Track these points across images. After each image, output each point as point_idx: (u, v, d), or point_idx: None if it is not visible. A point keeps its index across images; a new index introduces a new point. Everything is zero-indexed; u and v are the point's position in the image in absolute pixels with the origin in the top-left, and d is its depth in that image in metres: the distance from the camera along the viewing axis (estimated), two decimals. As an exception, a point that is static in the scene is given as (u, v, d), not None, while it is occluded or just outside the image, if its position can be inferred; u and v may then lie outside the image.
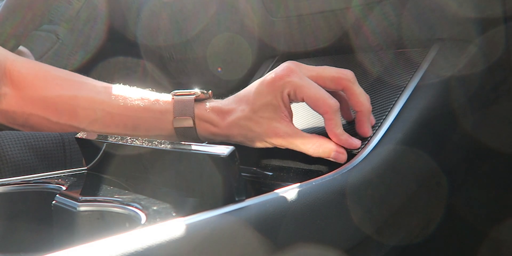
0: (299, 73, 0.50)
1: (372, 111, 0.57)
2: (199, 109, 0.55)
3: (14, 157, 0.59)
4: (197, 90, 0.56)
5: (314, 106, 0.49)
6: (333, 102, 0.48)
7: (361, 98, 0.50)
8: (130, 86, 0.60)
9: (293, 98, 0.50)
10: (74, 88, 0.58)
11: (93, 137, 0.51)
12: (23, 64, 0.59)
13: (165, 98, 0.57)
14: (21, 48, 0.81)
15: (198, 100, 0.56)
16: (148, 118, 0.56)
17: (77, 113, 0.57)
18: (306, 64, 0.51)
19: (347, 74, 0.50)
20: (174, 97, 0.56)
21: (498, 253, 0.60)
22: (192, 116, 0.55)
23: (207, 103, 0.55)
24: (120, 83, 0.61)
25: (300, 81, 0.49)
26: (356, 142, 0.49)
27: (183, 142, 0.42)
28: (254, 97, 0.52)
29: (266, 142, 0.53)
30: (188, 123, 0.55)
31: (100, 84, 0.59)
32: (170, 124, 0.56)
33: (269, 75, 0.51)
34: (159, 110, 0.56)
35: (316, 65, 0.51)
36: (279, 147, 0.52)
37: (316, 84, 0.50)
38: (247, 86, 0.72)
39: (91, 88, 0.58)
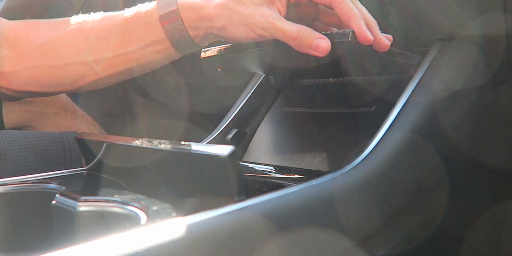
0: None
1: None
2: (182, 2, 0.55)
3: (14, 156, 0.59)
4: None
5: None
6: None
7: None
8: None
9: None
10: (63, 27, 0.59)
11: (93, 137, 0.51)
12: (17, 24, 0.61)
13: (149, 3, 0.58)
14: None
15: None
16: (137, 27, 0.57)
17: (73, 47, 0.58)
18: None
19: None
20: None
21: (498, 253, 0.60)
22: (176, 7, 0.55)
23: None
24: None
25: None
26: (384, 40, 0.50)
27: (183, 142, 0.42)
28: None
29: (248, 26, 0.52)
30: (173, 15, 0.55)
31: (86, 17, 0.60)
32: (158, 23, 0.56)
33: None
34: (144, 15, 0.57)
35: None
36: (261, 33, 0.52)
37: None
38: (247, 86, 0.72)
39: (78, 21, 0.59)
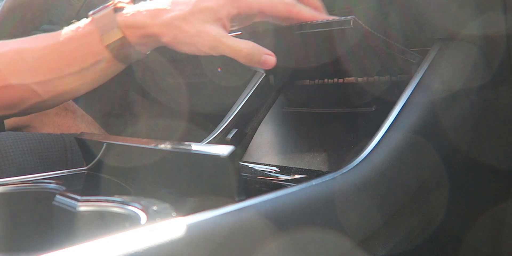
0: None
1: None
2: (122, 17, 0.53)
3: (16, 158, 0.59)
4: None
5: (273, 11, 0.52)
6: None
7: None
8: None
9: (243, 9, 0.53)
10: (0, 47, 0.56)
11: (93, 137, 0.51)
12: None
13: (84, 21, 0.55)
14: None
15: (118, 10, 0.54)
16: (77, 47, 0.54)
17: (10, 69, 0.55)
18: None
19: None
20: (92, 16, 0.54)
21: (498, 253, 0.60)
22: (117, 25, 0.53)
23: (131, 8, 0.54)
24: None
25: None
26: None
27: (183, 142, 0.42)
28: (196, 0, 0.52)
29: (195, 44, 0.52)
30: (116, 34, 0.53)
31: (23, 38, 0.57)
32: (100, 43, 0.53)
33: None
34: (83, 35, 0.54)
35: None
36: (208, 50, 0.52)
37: None
38: (247, 86, 0.72)
39: (14, 42, 0.56)
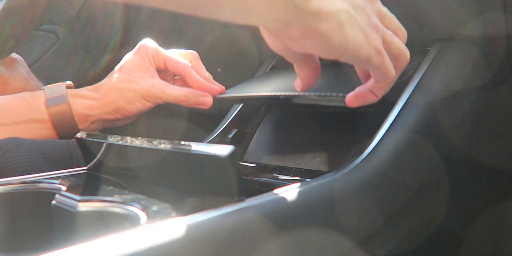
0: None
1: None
2: (71, 90, 0.62)
3: (24, 164, 0.58)
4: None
5: (172, 65, 0.62)
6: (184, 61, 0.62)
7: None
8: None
9: (156, 59, 0.62)
10: None
11: (93, 137, 0.51)
12: None
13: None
14: (13, 55, 0.81)
15: (69, 87, 0.63)
16: (18, 104, 0.61)
17: None
18: None
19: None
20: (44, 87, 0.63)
21: (498, 253, 0.60)
22: (65, 93, 0.61)
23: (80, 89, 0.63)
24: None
25: (159, 47, 0.63)
26: (215, 88, 0.61)
27: (183, 142, 0.42)
28: (124, 63, 0.62)
29: (144, 99, 0.61)
30: (61, 99, 0.60)
31: None
32: (43, 105, 0.60)
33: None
34: (30, 96, 0.61)
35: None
36: (155, 102, 0.61)
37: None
38: (247, 86, 0.72)
39: None
